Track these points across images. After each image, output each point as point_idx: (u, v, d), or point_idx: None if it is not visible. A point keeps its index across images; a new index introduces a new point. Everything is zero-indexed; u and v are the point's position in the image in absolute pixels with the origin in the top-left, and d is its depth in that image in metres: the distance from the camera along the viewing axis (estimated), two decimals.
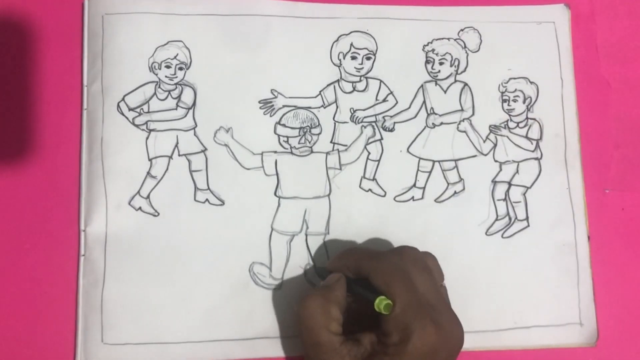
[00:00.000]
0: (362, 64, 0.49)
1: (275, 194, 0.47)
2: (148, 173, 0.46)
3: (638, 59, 0.52)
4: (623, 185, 0.50)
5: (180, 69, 0.47)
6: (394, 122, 0.49)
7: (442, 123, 0.49)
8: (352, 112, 0.48)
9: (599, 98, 0.51)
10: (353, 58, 0.49)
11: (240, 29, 0.48)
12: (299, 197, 0.47)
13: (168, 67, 0.47)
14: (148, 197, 0.46)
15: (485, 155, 0.49)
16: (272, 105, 0.48)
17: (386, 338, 0.37)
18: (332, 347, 0.38)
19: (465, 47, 0.50)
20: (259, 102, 0.48)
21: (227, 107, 0.47)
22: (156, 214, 0.46)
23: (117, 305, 0.44)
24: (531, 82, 0.50)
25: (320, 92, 0.48)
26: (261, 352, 0.45)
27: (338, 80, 0.49)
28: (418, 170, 0.48)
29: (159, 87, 0.47)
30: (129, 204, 0.46)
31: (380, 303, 0.37)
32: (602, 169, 0.50)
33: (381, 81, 0.49)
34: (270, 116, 0.48)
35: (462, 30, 0.50)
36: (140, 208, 0.46)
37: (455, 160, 0.49)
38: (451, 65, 0.50)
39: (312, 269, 0.46)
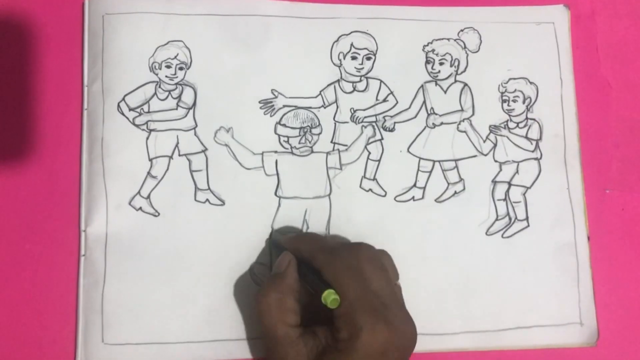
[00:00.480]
0: (362, 64, 0.49)
1: (275, 194, 0.47)
2: (148, 173, 0.46)
3: (638, 59, 0.52)
4: (623, 185, 0.50)
5: (181, 68, 0.47)
6: (394, 122, 0.49)
7: (442, 123, 0.49)
8: (353, 112, 0.49)
9: (599, 98, 0.51)
10: (353, 58, 0.49)
11: (240, 29, 0.48)
12: (299, 197, 0.47)
13: (168, 67, 0.47)
14: (148, 197, 0.46)
15: (485, 155, 0.49)
16: (273, 105, 0.48)
17: (337, 333, 0.37)
18: (289, 341, 0.38)
19: (465, 47, 0.50)
20: (260, 102, 0.48)
21: (228, 107, 0.47)
22: (156, 214, 0.46)
23: (117, 305, 0.44)
24: (531, 83, 0.50)
25: (320, 92, 0.49)
26: (261, 352, 0.45)
27: (338, 80, 0.49)
28: (418, 170, 0.48)
29: (160, 87, 0.47)
30: (130, 204, 0.46)
31: (328, 297, 0.37)
32: (602, 169, 0.50)
33: (381, 81, 0.49)
34: (271, 116, 0.48)
35: (462, 30, 0.50)
36: (140, 208, 0.46)
37: (456, 160, 0.49)
38: (451, 66, 0.50)
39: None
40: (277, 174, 0.47)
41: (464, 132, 0.49)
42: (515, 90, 0.50)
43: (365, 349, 0.36)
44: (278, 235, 0.46)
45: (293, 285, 0.40)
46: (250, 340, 0.45)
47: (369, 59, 0.49)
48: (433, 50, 0.50)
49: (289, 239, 0.43)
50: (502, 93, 0.50)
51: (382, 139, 0.48)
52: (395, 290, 0.40)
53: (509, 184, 0.49)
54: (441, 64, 0.50)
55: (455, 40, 0.50)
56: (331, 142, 0.48)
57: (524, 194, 0.49)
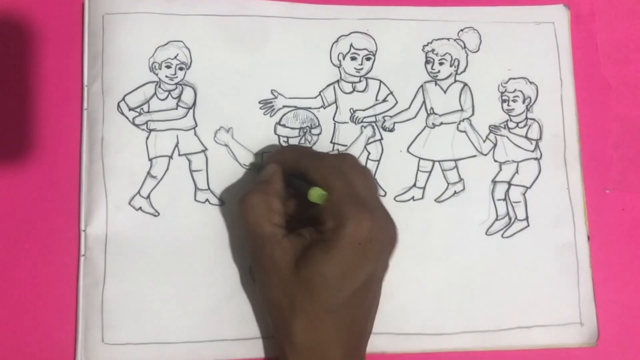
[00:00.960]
0: (361, 64, 0.49)
1: None
2: (148, 173, 0.46)
3: (638, 59, 0.52)
4: (623, 185, 0.50)
5: (181, 69, 0.47)
6: (394, 122, 0.49)
7: (442, 123, 0.49)
8: (352, 112, 0.49)
9: (598, 98, 0.51)
10: (353, 59, 0.49)
11: (240, 30, 0.48)
12: None
13: (168, 67, 0.47)
14: (148, 197, 0.46)
15: (485, 155, 0.49)
16: (272, 106, 0.48)
17: (322, 226, 0.38)
18: (275, 239, 0.39)
19: (465, 47, 0.50)
20: (259, 102, 0.48)
21: (228, 107, 0.47)
22: (156, 214, 0.46)
23: (117, 305, 0.44)
24: (531, 82, 0.50)
25: (320, 92, 0.49)
26: (261, 352, 0.45)
27: (338, 81, 0.49)
28: (418, 170, 0.48)
29: (159, 87, 0.47)
30: (129, 204, 0.46)
31: (315, 192, 0.38)
32: (602, 169, 0.50)
33: (381, 81, 0.49)
34: (271, 116, 0.48)
35: (461, 30, 0.50)
36: (140, 208, 0.46)
37: (455, 160, 0.49)
38: (451, 66, 0.50)
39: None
40: None
41: (464, 132, 0.49)
42: (515, 90, 0.50)
43: (351, 236, 0.37)
44: (258, 159, 0.47)
45: (279, 190, 0.41)
46: (250, 340, 0.45)
47: (368, 59, 0.49)
48: (433, 50, 0.50)
49: (273, 153, 0.44)
50: (501, 93, 0.50)
51: (382, 139, 0.48)
52: (375, 193, 0.42)
53: (509, 184, 0.49)
54: (441, 63, 0.50)
55: (455, 40, 0.50)
56: (331, 142, 0.48)
57: (523, 194, 0.49)
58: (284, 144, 0.47)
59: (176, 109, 0.47)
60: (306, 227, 0.40)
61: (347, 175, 0.40)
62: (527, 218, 0.48)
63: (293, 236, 0.39)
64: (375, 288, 0.41)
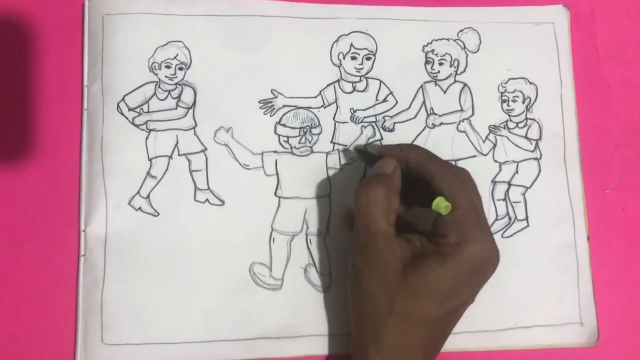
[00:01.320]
0: (362, 64, 0.49)
1: (275, 194, 0.47)
2: (148, 173, 0.46)
3: (638, 59, 0.52)
4: (623, 185, 0.50)
5: (180, 69, 0.48)
6: (394, 122, 0.49)
7: (441, 123, 0.49)
8: (352, 112, 0.49)
9: (598, 98, 0.51)
10: (353, 58, 0.49)
11: (240, 30, 0.48)
12: (299, 197, 0.47)
13: (168, 67, 0.47)
14: (148, 197, 0.46)
15: (485, 155, 0.49)
16: (272, 105, 0.48)
17: (442, 239, 0.38)
18: (388, 238, 0.38)
19: (464, 47, 0.50)
20: (259, 102, 0.48)
21: (227, 107, 0.47)
22: (156, 214, 0.46)
23: (117, 305, 0.44)
24: (530, 83, 0.50)
25: (320, 92, 0.49)
26: (261, 352, 0.45)
27: (338, 81, 0.49)
28: None
29: (159, 87, 0.47)
30: (129, 204, 0.46)
31: (441, 203, 0.37)
32: (602, 169, 0.50)
33: (381, 81, 0.49)
34: (271, 116, 0.48)
35: (461, 30, 0.50)
36: (140, 208, 0.46)
37: (455, 161, 0.49)
38: (451, 66, 0.50)
39: (312, 267, 0.46)
40: (277, 174, 0.47)
41: (464, 132, 0.49)
42: (514, 90, 0.50)
43: (471, 257, 0.37)
44: (373, 148, 0.46)
45: (398, 187, 0.40)
46: (250, 340, 0.45)
47: (368, 59, 0.49)
48: (432, 51, 0.50)
49: (393, 147, 0.43)
50: (501, 93, 0.50)
51: (382, 139, 0.48)
52: (483, 211, 0.41)
53: (509, 184, 0.49)
54: (441, 64, 0.50)
55: (454, 40, 0.50)
56: (331, 142, 0.48)
57: (523, 194, 0.49)
58: (284, 144, 0.47)
59: (176, 109, 0.47)
60: (414, 233, 0.40)
61: (470, 192, 0.39)
62: (527, 218, 0.48)
63: (402, 240, 0.39)
64: (465, 309, 0.41)
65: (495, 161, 0.49)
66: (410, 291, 0.37)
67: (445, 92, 0.50)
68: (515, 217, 0.48)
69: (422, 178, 0.40)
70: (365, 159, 0.46)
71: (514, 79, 0.50)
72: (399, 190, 0.40)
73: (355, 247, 0.40)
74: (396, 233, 0.39)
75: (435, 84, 0.50)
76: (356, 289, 0.40)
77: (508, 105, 0.50)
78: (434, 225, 0.39)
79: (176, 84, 0.47)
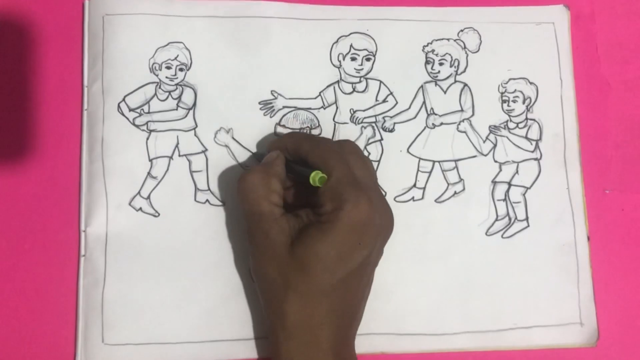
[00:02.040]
0: (361, 65, 0.49)
1: None
2: (148, 173, 0.46)
3: (638, 59, 0.52)
4: (623, 185, 0.50)
5: (181, 69, 0.48)
6: (394, 123, 0.49)
7: (442, 123, 0.49)
8: (352, 112, 0.49)
9: (598, 98, 0.51)
10: (353, 59, 0.49)
11: (240, 31, 0.48)
12: None
13: (168, 68, 0.47)
14: (148, 197, 0.46)
15: (485, 155, 0.49)
16: (272, 106, 0.48)
17: (320, 208, 0.39)
18: (272, 217, 0.39)
19: (465, 47, 0.50)
20: (259, 103, 0.48)
21: (228, 108, 0.47)
22: (157, 214, 0.46)
23: (117, 305, 0.44)
24: (531, 83, 0.50)
25: (320, 93, 0.49)
26: (261, 352, 0.45)
27: (338, 81, 0.49)
28: (418, 170, 0.48)
29: (160, 87, 0.47)
30: (130, 204, 0.46)
31: (316, 176, 0.39)
32: (602, 169, 0.50)
33: (381, 82, 0.49)
34: (271, 117, 0.48)
35: (461, 30, 0.50)
36: (140, 208, 0.46)
37: (455, 161, 0.49)
38: (451, 66, 0.50)
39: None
40: None
41: (464, 132, 0.49)
42: (515, 91, 0.50)
43: (348, 220, 0.38)
44: (262, 150, 0.47)
45: (279, 173, 0.41)
46: (250, 340, 0.45)
47: (368, 59, 0.49)
48: (433, 51, 0.50)
49: (274, 140, 0.44)
50: (502, 93, 0.50)
51: (382, 139, 0.48)
52: (374, 179, 0.43)
53: (509, 184, 0.49)
54: (441, 64, 0.50)
55: (455, 40, 0.50)
56: None
57: (523, 194, 0.49)
58: None
59: (176, 109, 0.47)
60: (304, 208, 0.40)
61: (347, 159, 0.41)
62: (527, 218, 0.48)
63: (290, 216, 0.40)
64: (369, 273, 0.41)
65: (496, 161, 0.49)
66: (300, 264, 0.38)
67: (445, 92, 0.50)
68: (516, 218, 0.48)
69: (300, 160, 0.42)
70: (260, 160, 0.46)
71: (514, 79, 0.50)
72: (280, 173, 0.41)
73: (246, 235, 0.41)
74: (285, 210, 0.40)
75: (436, 84, 0.50)
76: (255, 275, 0.41)
77: (508, 105, 0.50)
78: (315, 199, 0.40)
79: (177, 84, 0.47)
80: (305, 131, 0.48)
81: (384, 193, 0.48)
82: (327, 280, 0.38)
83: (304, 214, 0.40)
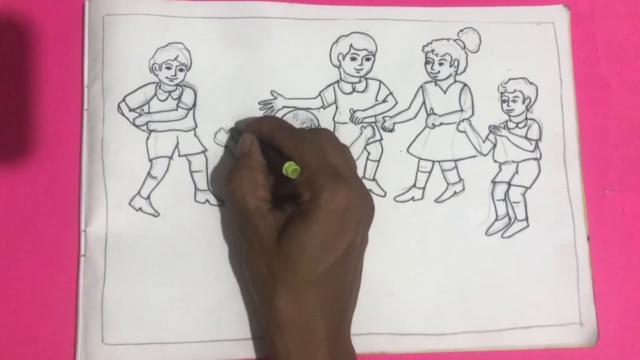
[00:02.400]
0: (361, 64, 0.49)
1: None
2: (148, 173, 0.46)
3: (638, 59, 0.52)
4: (623, 185, 0.50)
5: (181, 70, 0.48)
6: (394, 123, 0.49)
7: (441, 123, 0.49)
8: (352, 112, 0.49)
9: (598, 98, 0.51)
10: (352, 59, 0.49)
11: (240, 31, 0.49)
12: None
13: (168, 68, 0.47)
14: (148, 197, 0.46)
15: (485, 155, 0.49)
16: (272, 107, 0.48)
17: (300, 199, 0.39)
18: (259, 213, 0.40)
19: (464, 47, 0.50)
20: (259, 103, 0.48)
21: (228, 108, 0.47)
22: (156, 214, 0.46)
23: (117, 305, 0.44)
24: (530, 83, 0.50)
25: (319, 93, 0.49)
26: (261, 352, 0.45)
27: (337, 81, 0.49)
28: (418, 170, 0.48)
29: (160, 88, 0.47)
30: (130, 204, 0.46)
31: (289, 167, 0.39)
32: (602, 169, 0.50)
33: (381, 82, 0.49)
34: None
35: (461, 30, 0.50)
36: (140, 208, 0.46)
37: (455, 161, 0.49)
38: (451, 66, 0.50)
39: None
40: None
41: (464, 132, 0.49)
42: (514, 91, 0.50)
43: (327, 206, 0.38)
44: (239, 124, 0.47)
45: (260, 161, 0.42)
46: (250, 340, 0.45)
47: (368, 59, 0.49)
48: (432, 51, 0.50)
49: (250, 121, 0.45)
50: (501, 93, 0.50)
51: (382, 139, 0.48)
52: (352, 166, 0.43)
53: (509, 184, 0.49)
54: (441, 64, 0.50)
55: (454, 40, 0.50)
56: None
57: (523, 194, 0.49)
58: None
59: (176, 110, 0.47)
60: (289, 202, 0.41)
61: (324, 149, 0.41)
62: (526, 218, 0.48)
63: (277, 210, 0.40)
64: (356, 260, 0.41)
65: (495, 161, 0.49)
66: (286, 256, 0.38)
67: (445, 92, 0.50)
68: (515, 218, 0.48)
69: (275, 148, 0.41)
70: (235, 137, 0.46)
71: (514, 79, 0.50)
72: (262, 163, 0.42)
73: (237, 233, 0.43)
74: (272, 204, 0.41)
75: (435, 84, 0.50)
76: (247, 272, 0.42)
77: (508, 105, 0.50)
78: (295, 190, 0.40)
79: (176, 85, 0.47)
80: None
81: (383, 194, 0.48)
82: (314, 270, 0.38)
83: (288, 207, 0.40)
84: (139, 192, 0.46)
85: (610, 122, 0.51)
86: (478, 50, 0.50)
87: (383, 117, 0.49)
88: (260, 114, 0.48)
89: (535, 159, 0.49)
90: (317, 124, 0.48)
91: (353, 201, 0.39)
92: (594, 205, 0.49)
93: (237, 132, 0.46)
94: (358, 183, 0.42)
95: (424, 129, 0.49)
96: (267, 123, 0.43)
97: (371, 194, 0.47)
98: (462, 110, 0.49)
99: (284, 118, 0.48)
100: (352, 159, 0.45)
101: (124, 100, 0.47)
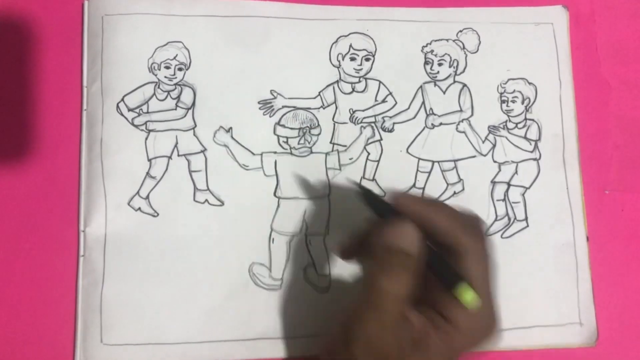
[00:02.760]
0: (361, 65, 0.49)
1: (274, 194, 0.47)
2: (147, 173, 0.46)
3: (637, 59, 0.52)
4: (623, 185, 0.50)
5: (180, 69, 0.48)
6: (393, 123, 0.49)
7: (441, 124, 0.49)
8: (352, 112, 0.49)
9: (598, 98, 0.51)
10: (352, 59, 0.49)
11: (239, 30, 0.49)
12: (298, 198, 0.47)
13: (167, 67, 0.47)
14: (147, 197, 0.46)
15: (484, 155, 0.49)
16: (272, 106, 0.48)
17: (449, 325, 0.33)
18: (390, 324, 0.33)
19: (464, 48, 0.50)
20: (259, 102, 0.48)
21: (227, 107, 0.47)
22: (155, 214, 0.46)
23: (116, 305, 0.44)
24: (530, 83, 0.50)
25: (319, 93, 0.49)
26: (261, 352, 0.45)
27: (337, 81, 0.49)
28: (417, 170, 0.48)
29: (159, 87, 0.47)
30: (129, 204, 0.46)
31: (466, 293, 0.32)
32: (602, 169, 0.50)
33: (380, 82, 0.49)
34: (270, 117, 0.48)
35: (460, 31, 0.50)
36: (139, 208, 0.46)
37: (455, 161, 0.49)
38: (450, 66, 0.50)
39: (312, 267, 0.46)
40: (276, 175, 0.47)
41: (463, 132, 0.49)
42: (514, 91, 0.50)
43: (473, 335, 0.34)
44: (369, 189, 0.40)
45: (421, 269, 0.33)
46: (250, 340, 0.45)
47: (367, 59, 0.49)
48: (432, 51, 0.50)
49: (416, 200, 0.36)
50: (501, 94, 0.50)
51: (381, 139, 0.48)
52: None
53: (508, 185, 0.49)
54: (440, 64, 0.50)
55: (454, 41, 0.50)
56: (330, 142, 0.48)
57: (523, 195, 0.49)
58: (284, 145, 0.47)
59: (175, 109, 0.47)
60: (414, 310, 0.35)
61: (487, 265, 0.35)
62: (526, 218, 0.48)
63: (413, 314, 0.34)
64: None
65: (495, 161, 0.49)
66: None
67: (444, 92, 0.50)
68: (515, 218, 0.48)
69: (446, 249, 0.34)
70: (372, 204, 0.38)
71: (513, 79, 0.50)
72: (420, 271, 0.34)
73: (366, 316, 0.34)
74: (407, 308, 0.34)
75: (435, 85, 0.50)
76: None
77: (507, 105, 0.50)
78: (443, 304, 0.34)
79: (175, 84, 0.47)
80: (304, 130, 0.48)
81: (383, 194, 0.48)
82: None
83: (417, 321, 0.34)
84: (138, 192, 0.46)
85: (610, 122, 0.51)
86: (477, 50, 0.50)
87: (383, 117, 0.49)
88: (259, 113, 0.48)
89: (534, 159, 0.49)
90: (316, 124, 0.48)
91: (492, 329, 0.35)
92: (594, 205, 0.49)
93: (370, 198, 0.38)
94: (494, 307, 0.36)
95: (424, 129, 0.49)
96: (444, 214, 0.35)
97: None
98: (461, 110, 0.49)
99: (284, 117, 0.48)
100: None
101: (122, 100, 0.47)
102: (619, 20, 0.52)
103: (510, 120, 0.50)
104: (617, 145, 0.50)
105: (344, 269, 0.46)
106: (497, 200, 0.49)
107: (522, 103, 0.50)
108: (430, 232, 0.34)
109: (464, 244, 0.34)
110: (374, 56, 0.49)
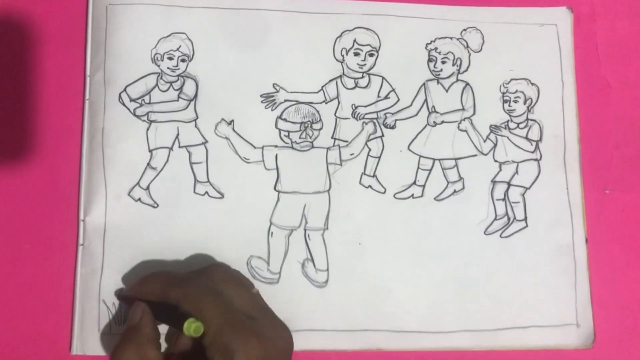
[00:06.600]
0: (364, 60, 0.49)
1: (275, 188, 0.47)
2: (148, 164, 0.46)
3: (638, 60, 0.52)
4: (623, 186, 0.50)
5: (183, 60, 0.47)
6: (395, 120, 0.49)
7: (443, 122, 0.49)
8: (354, 108, 0.49)
9: (599, 99, 0.51)
10: (356, 54, 0.49)
11: (243, 23, 0.48)
12: (298, 192, 0.47)
13: (170, 58, 0.47)
14: (148, 188, 0.46)
15: (486, 154, 0.49)
16: (274, 100, 0.48)
17: None
18: None
19: (467, 46, 0.50)
20: (261, 96, 0.48)
21: (229, 100, 0.47)
22: (155, 205, 0.46)
23: (114, 295, 0.44)
24: (532, 84, 0.50)
25: (322, 87, 0.49)
26: None
27: (340, 76, 0.49)
28: (418, 168, 0.48)
29: (161, 78, 0.47)
30: (129, 194, 0.46)
31: (190, 326, 0.35)
32: (602, 169, 0.50)
33: (383, 78, 0.49)
34: (272, 110, 0.48)
35: (465, 30, 0.50)
36: (139, 199, 0.46)
37: (456, 159, 0.49)
38: (453, 65, 0.50)
39: (310, 262, 0.46)
40: (277, 169, 0.47)
41: (465, 131, 0.49)
42: (516, 91, 0.50)
43: None
44: (124, 290, 0.44)
45: (151, 334, 0.38)
46: None
47: (371, 55, 0.49)
48: (435, 49, 0.50)
49: (135, 285, 0.41)
50: (503, 93, 0.50)
51: (383, 136, 0.48)
52: (257, 300, 0.41)
53: (509, 184, 0.49)
54: (443, 62, 0.50)
55: (458, 39, 0.50)
56: (332, 137, 0.48)
57: (523, 195, 0.49)
58: (285, 138, 0.47)
59: (177, 100, 0.47)
60: None
61: (222, 292, 0.38)
62: (525, 218, 0.48)
63: None
64: None
65: (496, 161, 0.49)
66: None
67: (447, 90, 0.50)
68: (514, 218, 0.48)
69: (170, 307, 0.37)
70: (124, 302, 0.43)
71: (516, 79, 0.50)
72: (153, 335, 0.38)
73: None
74: None
75: (438, 82, 0.50)
76: None
77: (509, 105, 0.50)
78: (204, 352, 0.36)
79: (178, 75, 0.47)
80: (306, 125, 0.48)
81: (383, 190, 0.48)
82: None
83: None
84: (138, 183, 0.46)
85: (610, 122, 0.51)
86: (481, 49, 0.50)
87: (385, 114, 0.49)
88: (261, 106, 0.47)
89: (535, 159, 0.49)
90: (318, 119, 0.48)
91: (268, 351, 0.36)
92: (594, 205, 0.49)
93: (124, 298, 0.43)
94: (267, 323, 0.39)
95: (425, 126, 0.49)
96: (153, 281, 0.39)
97: (371, 190, 0.47)
98: (463, 109, 0.49)
99: (286, 111, 0.48)
100: (253, 286, 0.43)
101: (125, 90, 0.47)
102: (620, 21, 0.52)
103: (512, 120, 0.50)
104: (617, 145, 0.50)
105: (342, 265, 0.46)
106: (497, 199, 0.49)
107: (524, 103, 0.50)
108: (157, 298, 0.39)
109: (173, 295, 0.37)
110: (377, 52, 0.49)
